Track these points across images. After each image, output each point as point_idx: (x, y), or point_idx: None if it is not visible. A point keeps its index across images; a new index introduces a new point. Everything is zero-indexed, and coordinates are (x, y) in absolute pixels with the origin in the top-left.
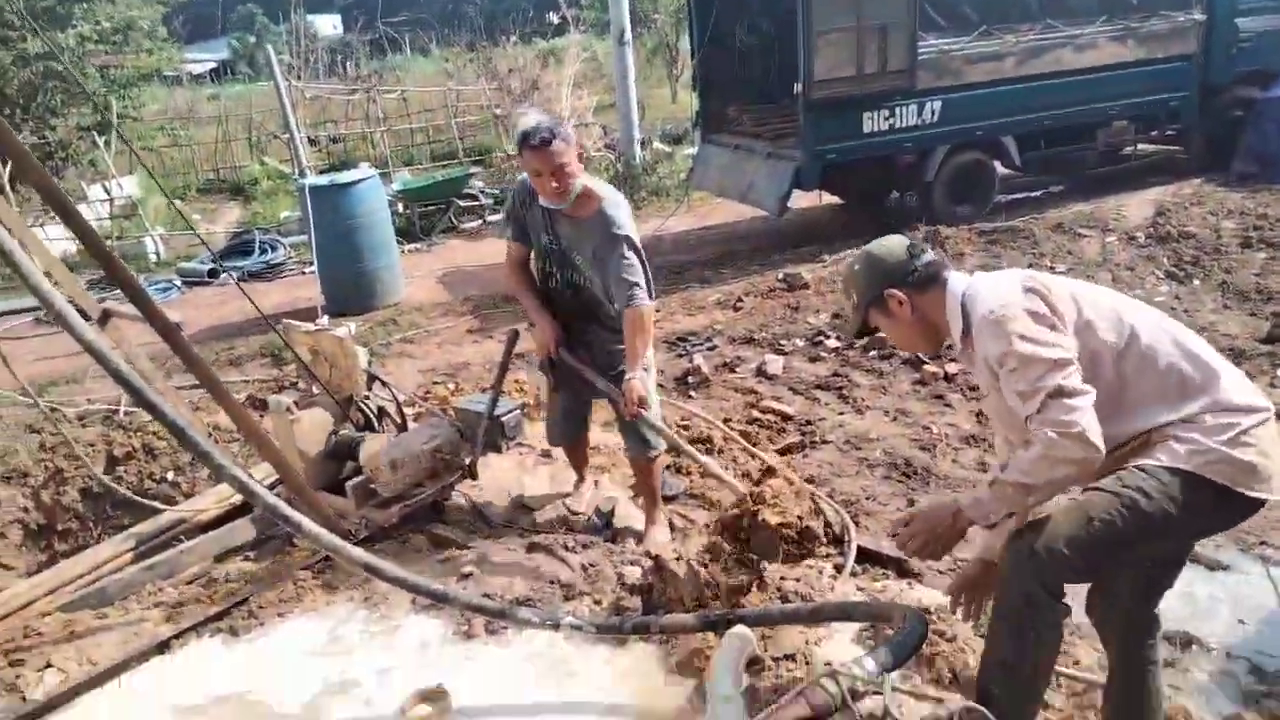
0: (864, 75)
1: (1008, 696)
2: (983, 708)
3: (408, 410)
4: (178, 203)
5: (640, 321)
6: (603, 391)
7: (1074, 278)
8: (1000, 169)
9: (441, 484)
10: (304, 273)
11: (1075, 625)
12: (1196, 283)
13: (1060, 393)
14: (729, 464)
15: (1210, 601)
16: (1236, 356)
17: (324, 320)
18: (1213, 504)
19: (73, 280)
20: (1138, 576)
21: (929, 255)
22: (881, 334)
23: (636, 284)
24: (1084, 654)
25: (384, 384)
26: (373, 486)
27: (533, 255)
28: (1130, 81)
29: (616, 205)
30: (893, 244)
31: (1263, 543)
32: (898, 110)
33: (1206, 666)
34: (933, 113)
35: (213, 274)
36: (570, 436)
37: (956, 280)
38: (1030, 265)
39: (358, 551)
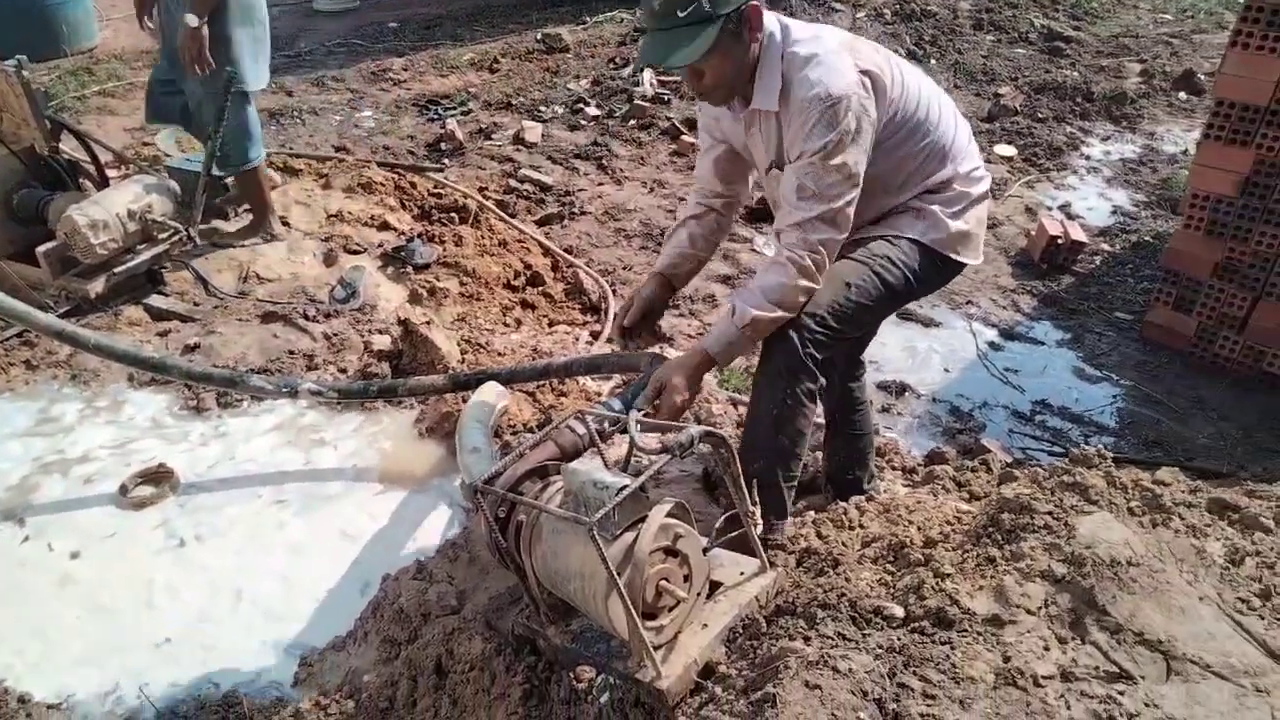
0: None
1: (770, 467)
2: (718, 431)
3: (113, 174)
4: None
5: None
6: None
7: None
8: None
9: (156, 250)
10: None
11: None
12: (933, 62)
13: (835, 219)
14: (485, 234)
15: (924, 354)
16: None
17: None
18: (936, 270)
19: None
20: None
21: None
22: (677, 77)
23: None
24: None
25: (76, 135)
26: (72, 254)
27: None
28: None
29: None
30: None
31: (969, 302)
32: None
33: (916, 409)
34: None
35: None
36: (167, 113)
37: (769, 22)
38: None
39: (48, 318)
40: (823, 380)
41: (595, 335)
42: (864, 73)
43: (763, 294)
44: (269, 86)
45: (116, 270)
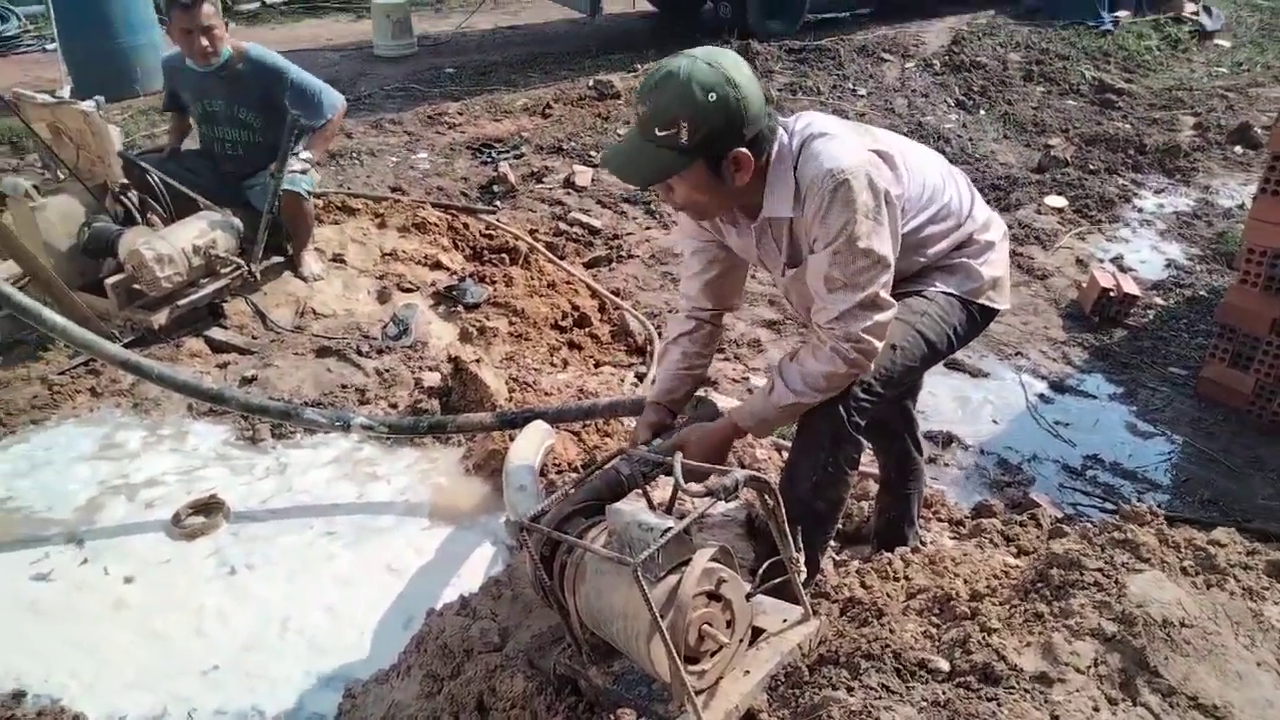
0: None
1: (806, 529)
2: (763, 476)
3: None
4: None
5: (336, 123)
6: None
7: (874, 102)
8: None
9: (218, 284)
10: (45, 50)
11: None
12: (982, 112)
13: (874, 303)
14: (535, 275)
15: (973, 405)
16: (1011, 183)
17: (64, 92)
18: (974, 321)
19: None
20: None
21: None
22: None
23: (320, 89)
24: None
25: (147, 171)
26: (137, 286)
27: (197, 124)
28: None
29: (260, 48)
30: (749, 80)
31: (1018, 353)
32: None
33: (963, 461)
34: None
35: None
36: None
37: (786, 126)
38: (834, 87)
39: (115, 348)
40: (866, 445)
41: (640, 377)
42: (876, 152)
43: (804, 380)
44: None
45: (180, 303)
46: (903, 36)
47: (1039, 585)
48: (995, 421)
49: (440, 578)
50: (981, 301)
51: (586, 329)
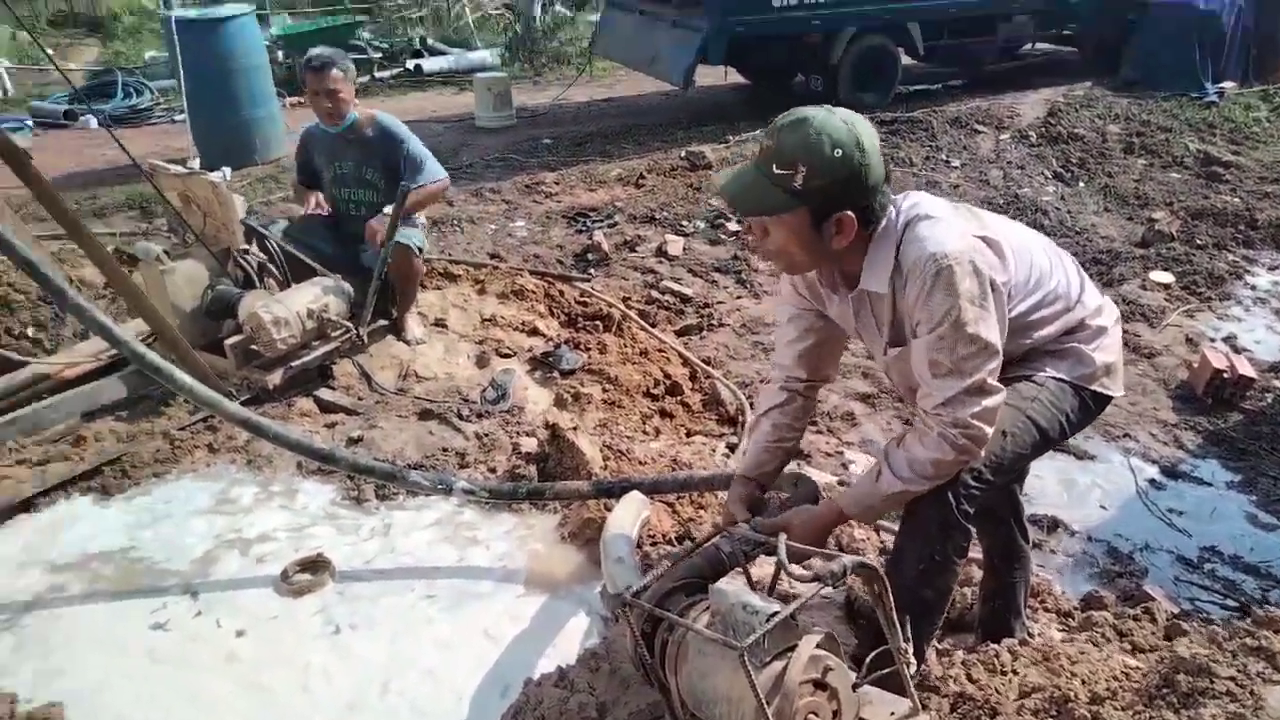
0: None
1: (913, 618)
2: (871, 562)
3: None
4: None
5: (432, 189)
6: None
7: (967, 174)
8: (904, 58)
9: (329, 347)
10: (174, 121)
11: None
12: (1081, 185)
13: (981, 389)
14: (628, 343)
15: (1080, 488)
16: (1113, 258)
17: (194, 163)
18: (1086, 408)
19: None
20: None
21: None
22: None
23: (425, 160)
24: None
25: (265, 238)
26: (254, 347)
27: (329, 191)
28: None
29: (389, 117)
30: (876, 150)
31: (1126, 435)
32: None
33: (1070, 547)
34: None
35: (69, 116)
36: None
37: (897, 205)
38: (927, 158)
39: (236, 407)
40: (974, 532)
41: (731, 448)
42: (982, 238)
43: (912, 468)
44: None
45: (293, 364)
46: (996, 108)
47: (1165, 691)
48: (1103, 507)
49: (536, 646)
50: (1094, 388)
51: (678, 397)
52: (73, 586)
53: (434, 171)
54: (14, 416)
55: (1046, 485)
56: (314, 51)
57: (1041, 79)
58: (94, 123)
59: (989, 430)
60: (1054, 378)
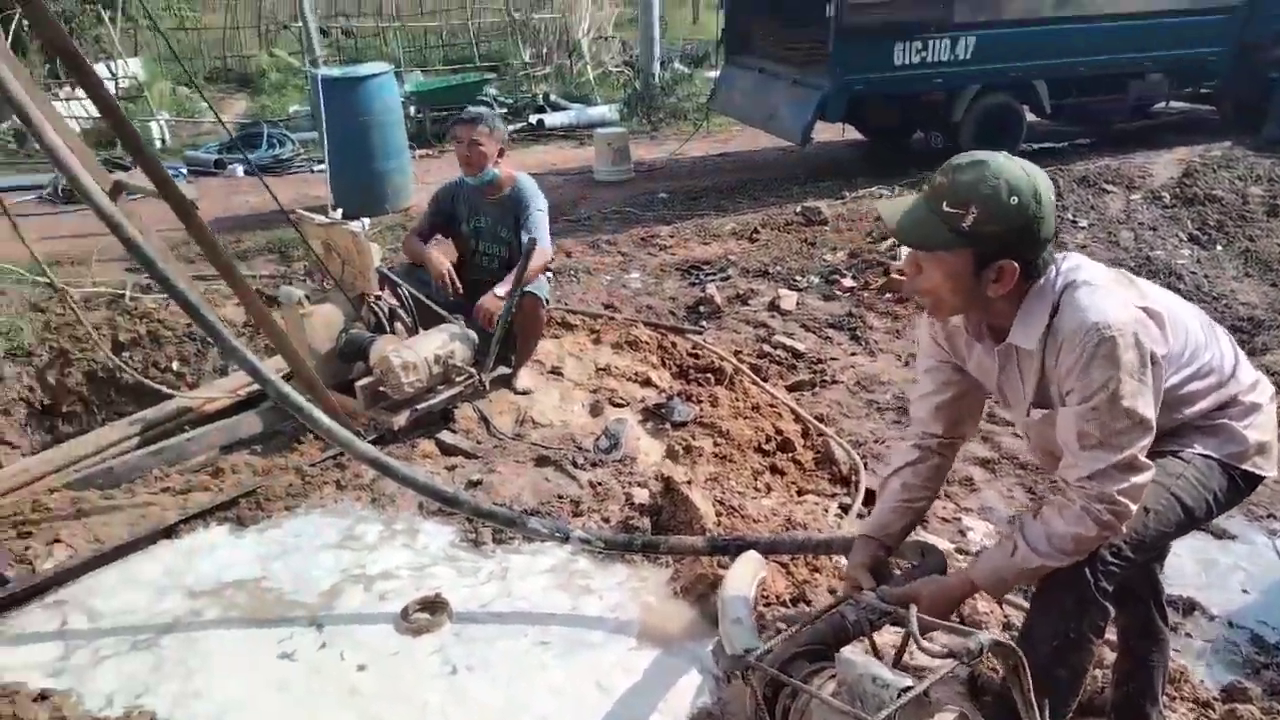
0: (899, 3)
1: (1047, 698)
2: (1009, 642)
3: None
4: (187, 89)
5: (536, 257)
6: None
7: (1095, 234)
8: (1029, 115)
9: (453, 391)
10: (313, 170)
11: None
12: (1219, 248)
13: (1131, 465)
14: (739, 397)
15: (1220, 570)
16: (1255, 326)
17: (337, 214)
18: (1236, 488)
19: (85, 150)
20: None
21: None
22: (900, 265)
23: (540, 233)
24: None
25: (396, 284)
26: (382, 389)
27: (464, 240)
28: (1168, 32)
29: (529, 180)
30: (1050, 204)
31: (1270, 515)
32: (931, 44)
33: (1209, 633)
34: (967, 48)
35: (219, 165)
36: None
37: (1056, 266)
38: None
39: (369, 447)
40: (1112, 612)
41: (844, 508)
42: (1144, 309)
43: (1050, 541)
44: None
45: (418, 407)
46: (1127, 168)
47: None
48: (1245, 591)
49: (648, 701)
50: (1245, 467)
51: (790, 454)
52: (209, 612)
53: (543, 241)
54: (160, 447)
55: (1183, 564)
56: (471, 109)
57: (1176, 138)
58: (240, 171)
59: (1134, 507)
60: (1202, 455)
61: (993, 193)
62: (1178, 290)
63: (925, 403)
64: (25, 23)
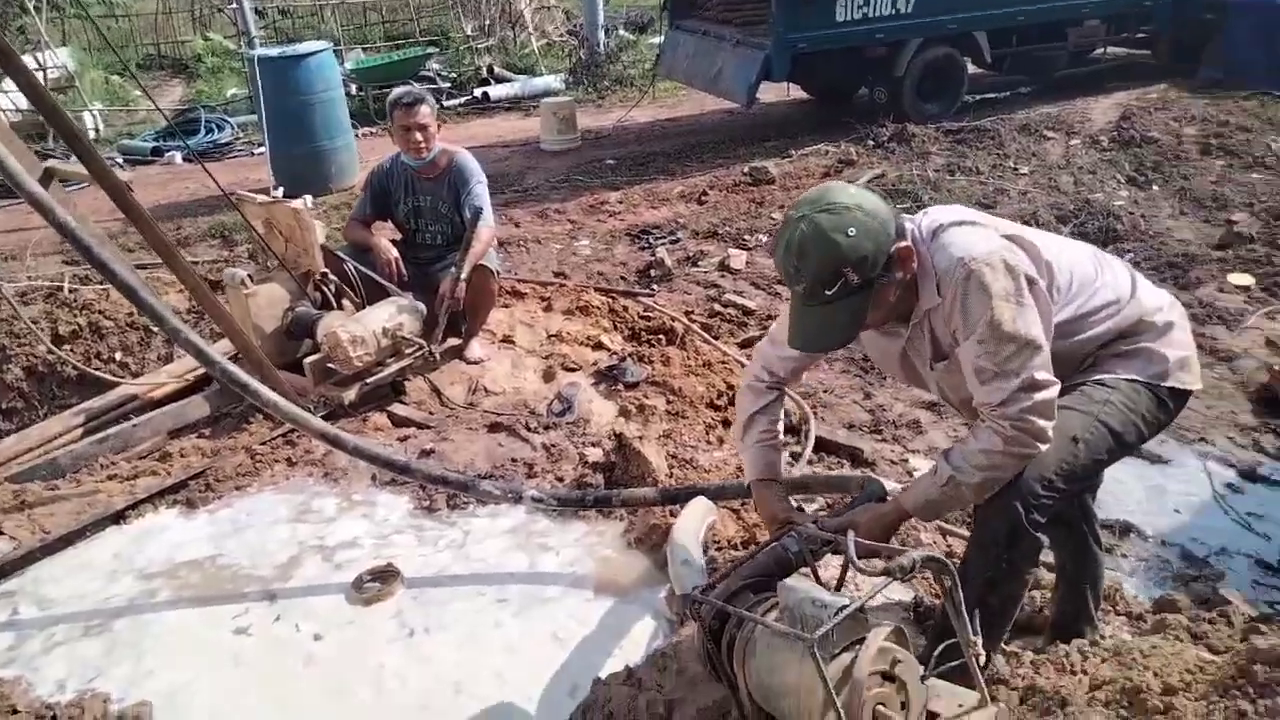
0: None
1: (982, 624)
2: (940, 556)
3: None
4: (120, 77)
5: (484, 234)
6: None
7: (1036, 180)
8: (970, 67)
9: (402, 363)
10: (253, 154)
11: None
12: (1155, 188)
13: (1033, 385)
14: (691, 355)
15: (1151, 493)
16: (1189, 261)
17: (278, 192)
18: (1164, 407)
19: (13, 136)
20: None
21: None
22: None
23: (482, 209)
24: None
25: (342, 260)
26: (331, 365)
27: (401, 220)
28: None
29: (467, 155)
30: (861, 192)
31: (1202, 439)
32: None
33: (1142, 552)
34: (908, 2)
35: (157, 153)
36: None
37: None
38: (994, 166)
39: (318, 421)
40: (1045, 542)
41: (795, 456)
42: (1008, 237)
43: (965, 459)
44: (499, 219)
45: (368, 381)
46: (1067, 114)
47: (1241, 682)
48: (1177, 511)
49: (604, 648)
50: (1170, 384)
51: None
52: (161, 593)
53: (486, 219)
54: (105, 435)
55: (1118, 490)
56: (402, 89)
57: (1114, 83)
58: (179, 158)
59: (1043, 424)
60: (1126, 379)
61: (835, 246)
62: (1115, 231)
63: (783, 356)
64: None
